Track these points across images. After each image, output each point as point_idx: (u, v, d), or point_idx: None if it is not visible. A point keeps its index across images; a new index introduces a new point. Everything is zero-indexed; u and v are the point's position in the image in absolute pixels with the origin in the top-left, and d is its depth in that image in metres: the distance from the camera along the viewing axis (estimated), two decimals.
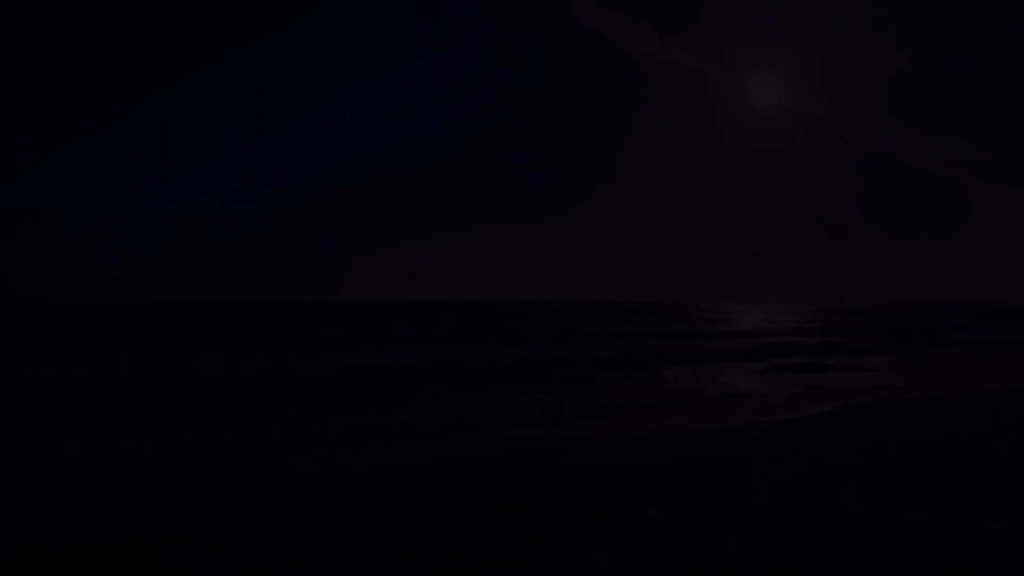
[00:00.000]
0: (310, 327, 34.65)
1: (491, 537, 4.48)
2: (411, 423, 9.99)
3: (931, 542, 4.23)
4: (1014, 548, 4.13)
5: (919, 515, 4.81)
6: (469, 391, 13.96)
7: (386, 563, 4.03)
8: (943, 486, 5.71)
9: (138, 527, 4.95)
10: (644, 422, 10.73)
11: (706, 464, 6.76)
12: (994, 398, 12.49)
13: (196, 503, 5.83)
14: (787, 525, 4.62)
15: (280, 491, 6.28)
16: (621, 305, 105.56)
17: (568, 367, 18.79)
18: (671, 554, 4.10)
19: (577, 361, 19.69)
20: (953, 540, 4.27)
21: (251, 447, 8.40)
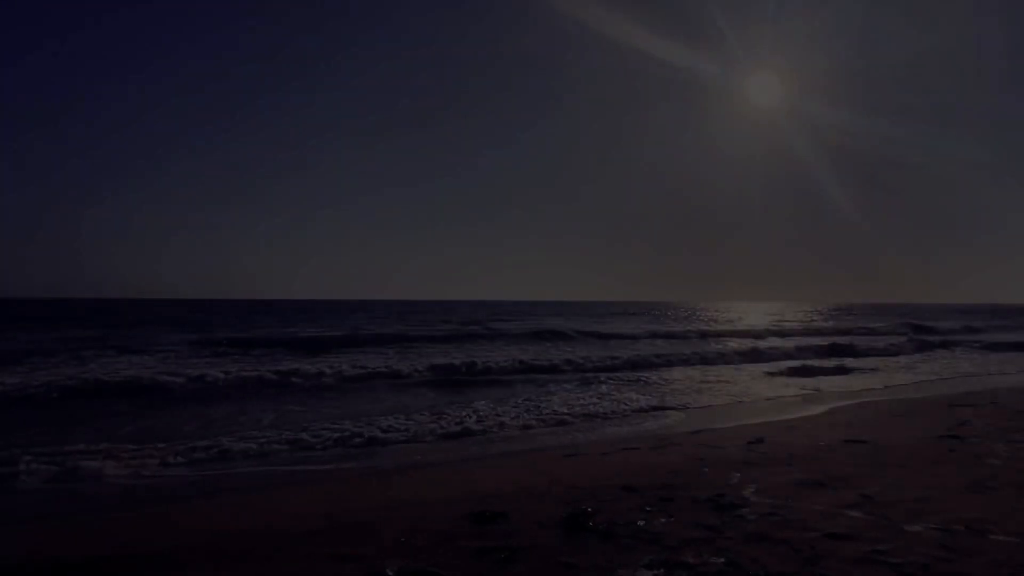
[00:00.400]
0: (302, 327, 34.39)
1: (468, 552, 4.26)
2: (389, 428, 9.74)
3: (931, 556, 4.01)
4: (1016, 561, 3.90)
5: (918, 526, 4.59)
6: (456, 394, 13.74)
7: None
8: (943, 493, 5.49)
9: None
10: (640, 427, 10.52)
11: (701, 471, 6.53)
12: (996, 399, 12.26)
13: (145, 514, 5.62)
14: (781, 538, 4.39)
15: (240, 500, 6.06)
16: (621, 305, 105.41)
17: (564, 369, 18.53)
18: (655, 570, 3.88)
19: (574, 363, 19.40)
20: (954, 553, 4.05)
21: (218, 455, 8.13)
